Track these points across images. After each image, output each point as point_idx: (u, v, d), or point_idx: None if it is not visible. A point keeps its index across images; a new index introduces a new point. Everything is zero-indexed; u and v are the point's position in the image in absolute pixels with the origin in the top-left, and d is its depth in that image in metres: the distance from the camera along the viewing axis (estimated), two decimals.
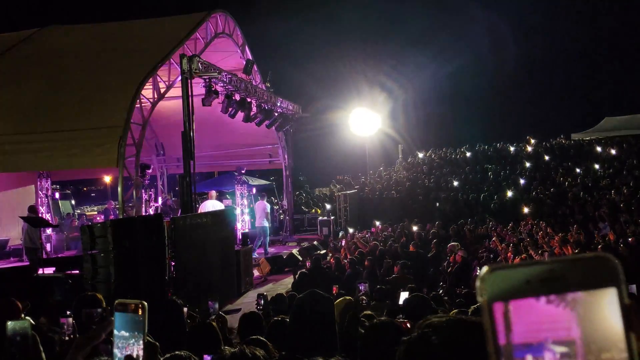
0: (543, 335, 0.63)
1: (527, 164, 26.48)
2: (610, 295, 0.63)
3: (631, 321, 0.62)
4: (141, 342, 1.51)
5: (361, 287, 5.27)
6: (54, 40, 17.83)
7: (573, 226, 15.70)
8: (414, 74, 50.33)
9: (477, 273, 12.98)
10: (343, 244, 16.66)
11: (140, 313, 1.51)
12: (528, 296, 0.64)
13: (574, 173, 24.07)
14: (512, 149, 30.37)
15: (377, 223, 20.09)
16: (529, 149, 29.91)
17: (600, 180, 22.21)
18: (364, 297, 5.39)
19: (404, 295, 8.52)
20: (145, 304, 1.51)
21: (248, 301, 12.33)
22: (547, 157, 27.60)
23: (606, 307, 0.63)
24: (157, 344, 1.57)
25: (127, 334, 1.52)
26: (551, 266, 0.65)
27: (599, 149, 27.67)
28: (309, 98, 32.29)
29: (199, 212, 15.70)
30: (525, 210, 19.97)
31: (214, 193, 16.94)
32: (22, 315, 4.41)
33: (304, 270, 13.17)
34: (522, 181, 23.90)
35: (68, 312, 4.25)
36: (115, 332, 1.53)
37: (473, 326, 1.13)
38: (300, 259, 16.67)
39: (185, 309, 5.56)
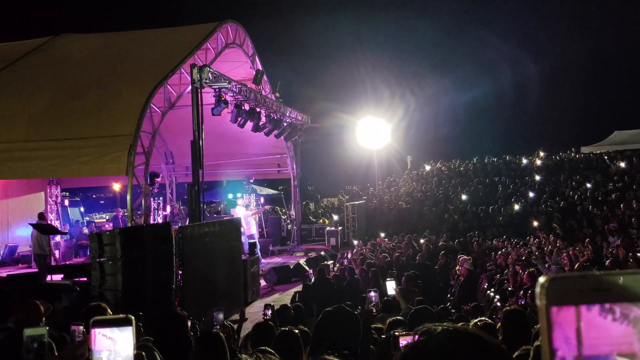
0: (609, 349, 0.70)
1: (537, 177, 26.35)
2: None
3: None
4: (131, 354, 1.50)
5: (372, 297, 5.01)
6: (66, 48, 17.98)
7: (583, 240, 15.58)
8: (425, 86, 50.32)
9: (485, 286, 12.71)
10: (349, 256, 16.57)
11: (128, 326, 1.51)
12: (581, 303, 0.71)
13: (584, 187, 23.91)
14: (522, 162, 30.18)
15: (382, 235, 20.04)
16: (539, 162, 29.74)
17: (610, 194, 22.06)
18: (374, 308, 5.17)
19: (390, 285, 8.42)
20: (132, 317, 1.51)
21: (254, 311, 12.28)
22: (556, 171, 27.42)
23: None
24: (143, 353, 1.57)
25: (111, 349, 1.51)
26: (600, 278, 0.72)
27: (609, 162, 27.48)
28: (318, 108, 32.30)
29: None
30: (535, 223, 19.87)
31: None
32: (43, 320, 4.45)
33: (307, 282, 13.11)
34: (531, 194, 23.79)
35: (80, 321, 4.25)
36: (95, 348, 1.52)
37: (468, 336, 1.14)
38: (307, 269, 16.61)
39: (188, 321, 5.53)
